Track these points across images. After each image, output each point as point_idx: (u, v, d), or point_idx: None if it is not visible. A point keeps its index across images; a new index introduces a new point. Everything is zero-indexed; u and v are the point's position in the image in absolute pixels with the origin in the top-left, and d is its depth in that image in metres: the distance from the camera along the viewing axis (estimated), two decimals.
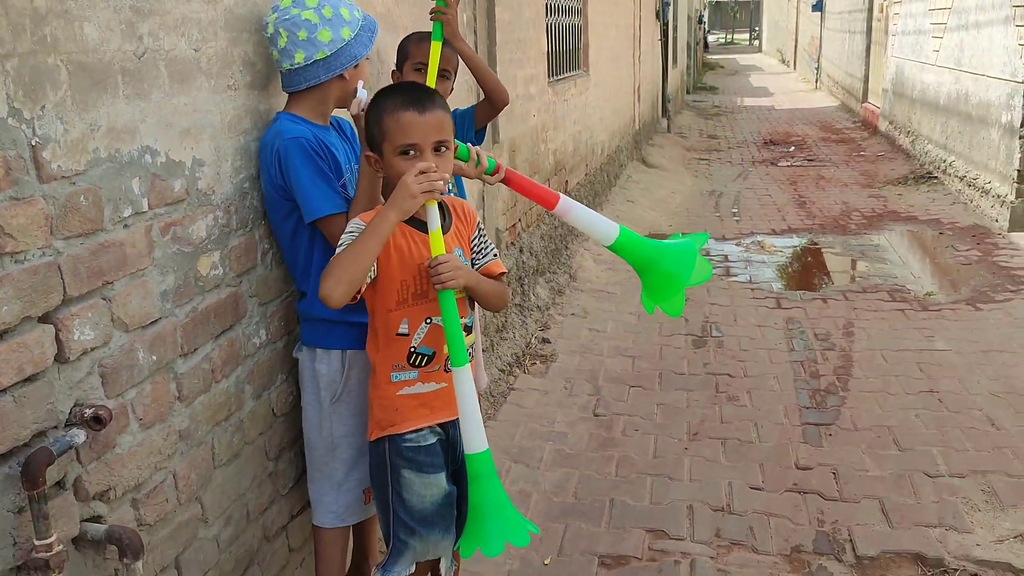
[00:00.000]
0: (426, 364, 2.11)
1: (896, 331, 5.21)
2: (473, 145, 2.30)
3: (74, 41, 1.64)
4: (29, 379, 1.56)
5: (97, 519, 1.75)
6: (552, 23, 6.15)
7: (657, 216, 8.52)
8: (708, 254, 7.14)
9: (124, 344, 1.80)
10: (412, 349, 2.10)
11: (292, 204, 2.25)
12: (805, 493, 3.45)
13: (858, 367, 4.68)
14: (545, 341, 5.07)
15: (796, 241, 7.66)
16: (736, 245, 7.52)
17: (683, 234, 2.37)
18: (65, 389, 1.64)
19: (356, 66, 2.32)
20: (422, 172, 1.93)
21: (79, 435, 1.61)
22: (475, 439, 2.00)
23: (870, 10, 14.67)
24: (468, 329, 2.15)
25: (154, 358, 1.90)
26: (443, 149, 2.02)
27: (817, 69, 22.70)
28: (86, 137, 1.67)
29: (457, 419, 2.08)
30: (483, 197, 4.49)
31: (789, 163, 11.85)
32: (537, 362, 4.79)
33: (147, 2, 1.83)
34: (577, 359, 4.89)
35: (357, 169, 2.33)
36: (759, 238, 7.74)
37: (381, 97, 2.06)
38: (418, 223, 2.07)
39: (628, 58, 10.09)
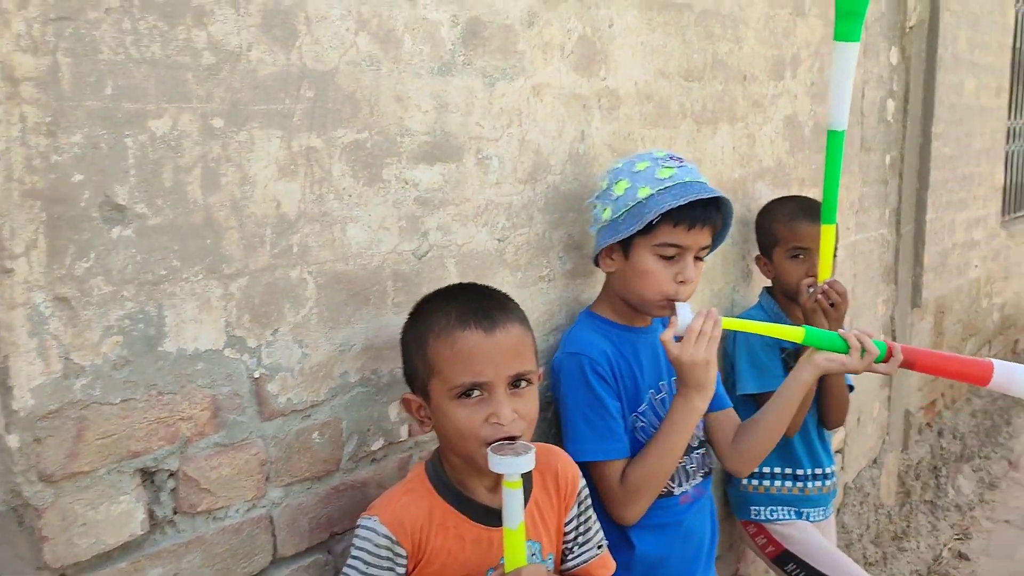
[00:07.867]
0: None
1: None
2: (846, 331, 1.69)
3: (330, 248, 1.36)
4: None
5: None
6: (1013, 150, 5.03)
7: None
8: None
9: None
10: None
11: None
12: None
13: None
14: (962, 557, 3.94)
15: None
16: None
17: None
18: None
19: (669, 256, 1.63)
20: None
21: None
22: None
23: None
24: None
25: None
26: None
27: None
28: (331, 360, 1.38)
29: None
30: None
31: None
32: None
33: (438, 192, 1.52)
34: None
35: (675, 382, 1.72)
36: None
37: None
38: (475, 507, 1.36)
39: None
